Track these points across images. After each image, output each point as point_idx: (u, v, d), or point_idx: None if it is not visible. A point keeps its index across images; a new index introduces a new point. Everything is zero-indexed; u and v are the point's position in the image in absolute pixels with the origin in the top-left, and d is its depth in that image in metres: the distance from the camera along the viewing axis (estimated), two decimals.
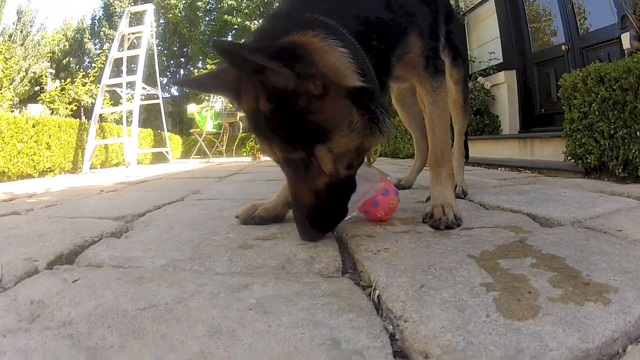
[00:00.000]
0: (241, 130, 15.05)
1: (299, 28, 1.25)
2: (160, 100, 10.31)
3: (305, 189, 1.38)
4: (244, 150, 17.17)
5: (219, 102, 12.75)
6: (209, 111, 12.87)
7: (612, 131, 3.07)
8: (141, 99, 9.40)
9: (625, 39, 4.36)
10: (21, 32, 22.06)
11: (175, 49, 27.88)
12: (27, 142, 6.15)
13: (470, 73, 8.37)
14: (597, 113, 3.19)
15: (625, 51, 4.28)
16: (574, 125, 3.45)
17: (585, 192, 2.51)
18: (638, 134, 2.85)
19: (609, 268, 1.07)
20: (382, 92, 1.51)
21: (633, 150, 2.88)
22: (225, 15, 24.50)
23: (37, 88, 17.98)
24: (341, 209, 1.45)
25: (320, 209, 1.39)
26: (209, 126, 12.87)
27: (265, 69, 1.14)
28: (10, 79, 16.79)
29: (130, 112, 8.69)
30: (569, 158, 3.58)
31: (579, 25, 6.37)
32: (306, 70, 1.17)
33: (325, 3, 1.41)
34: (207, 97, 13.76)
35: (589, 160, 3.32)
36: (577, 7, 6.40)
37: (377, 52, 1.44)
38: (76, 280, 1.07)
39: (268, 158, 1.46)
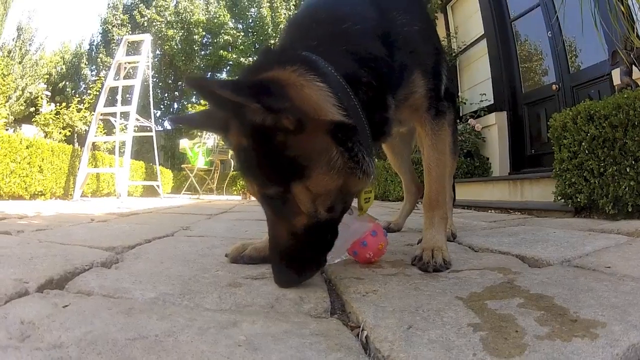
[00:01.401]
0: (232, 168, 15.05)
1: (280, 63, 1.27)
2: (153, 133, 10.36)
3: (282, 230, 1.34)
4: (234, 188, 17.16)
5: (211, 138, 12.80)
6: (201, 147, 12.92)
7: (602, 169, 3.12)
8: (134, 131, 9.43)
9: (616, 75, 4.46)
10: (20, 49, 21.83)
11: (170, 81, 27.96)
12: (20, 163, 6.17)
13: (461, 115, 8.50)
14: (586, 152, 3.25)
15: (616, 87, 4.35)
16: (564, 165, 3.51)
17: (574, 231, 2.54)
18: (628, 170, 2.90)
19: (597, 304, 1.09)
20: (379, 133, 1.51)
21: (623, 187, 2.93)
22: (221, 51, 24.72)
23: (32, 109, 17.88)
24: (320, 255, 1.40)
25: (296, 251, 1.34)
26: (200, 162, 12.91)
27: (240, 108, 1.16)
28: (6, 97, 16.74)
29: (123, 143, 8.71)
30: (559, 198, 3.64)
31: (569, 63, 6.49)
32: (277, 104, 1.16)
33: (315, 40, 1.44)
34: (199, 133, 13.82)
35: (579, 199, 3.37)
36: (568, 45, 6.52)
37: (369, 89, 1.42)
38: (66, 306, 1.08)
39: None
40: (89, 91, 13.66)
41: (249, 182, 1.37)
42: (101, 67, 25.69)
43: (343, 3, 1.63)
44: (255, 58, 1.75)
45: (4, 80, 16.19)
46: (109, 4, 27.80)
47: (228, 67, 26.38)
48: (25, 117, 18.68)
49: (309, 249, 1.36)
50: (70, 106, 12.72)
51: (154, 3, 26.11)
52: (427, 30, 1.90)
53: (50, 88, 21.54)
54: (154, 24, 25.46)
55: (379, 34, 1.54)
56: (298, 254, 1.34)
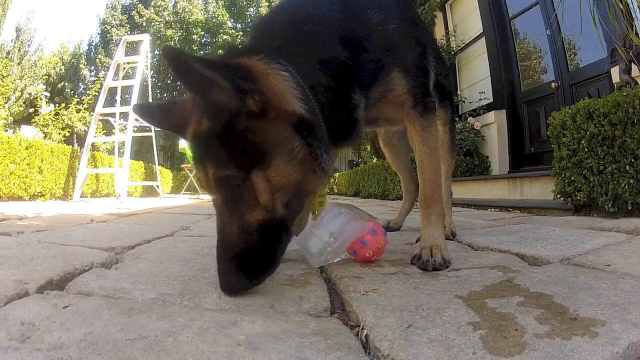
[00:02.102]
0: None
1: (246, 54, 1.31)
2: (152, 133, 10.33)
3: (235, 225, 1.26)
4: None
5: None
6: None
7: (601, 167, 3.13)
8: (134, 131, 9.42)
9: (615, 73, 4.47)
10: (19, 50, 21.80)
11: (169, 81, 27.88)
12: (19, 164, 6.18)
13: (460, 113, 8.49)
14: (586, 150, 3.26)
15: (615, 85, 4.38)
16: (563, 163, 3.52)
17: (574, 229, 2.54)
18: (627, 168, 2.91)
19: (596, 302, 1.09)
20: (343, 135, 1.54)
21: (622, 185, 2.94)
22: (220, 51, 24.67)
23: (31, 110, 17.89)
24: (274, 256, 1.31)
25: (250, 250, 1.25)
26: None
27: (208, 86, 1.15)
28: (5, 98, 16.72)
29: (123, 143, 8.71)
30: (559, 196, 3.65)
31: (569, 61, 6.49)
32: (245, 85, 1.18)
33: (277, 41, 1.45)
34: None
35: (578, 198, 3.38)
36: (567, 43, 6.52)
37: (328, 91, 1.43)
38: (66, 307, 1.08)
39: None
40: (88, 92, 13.70)
41: (204, 169, 1.28)
42: (100, 67, 25.72)
43: (309, 4, 1.64)
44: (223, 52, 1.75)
45: (3, 82, 16.21)
46: (107, 5, 27.87)
47: None
48: (25, 118, 18.65)
49: (263, 248, 1.28)
50: (69, 107, 12.75)
51: (152, 3, 26.14)
52: (408, 27, 1.86)
53: (49, 89, 21.54)
54: (153, 24, 25.47)
55: (343, 35, 1.55)
56: (251, 253, 1.25)
